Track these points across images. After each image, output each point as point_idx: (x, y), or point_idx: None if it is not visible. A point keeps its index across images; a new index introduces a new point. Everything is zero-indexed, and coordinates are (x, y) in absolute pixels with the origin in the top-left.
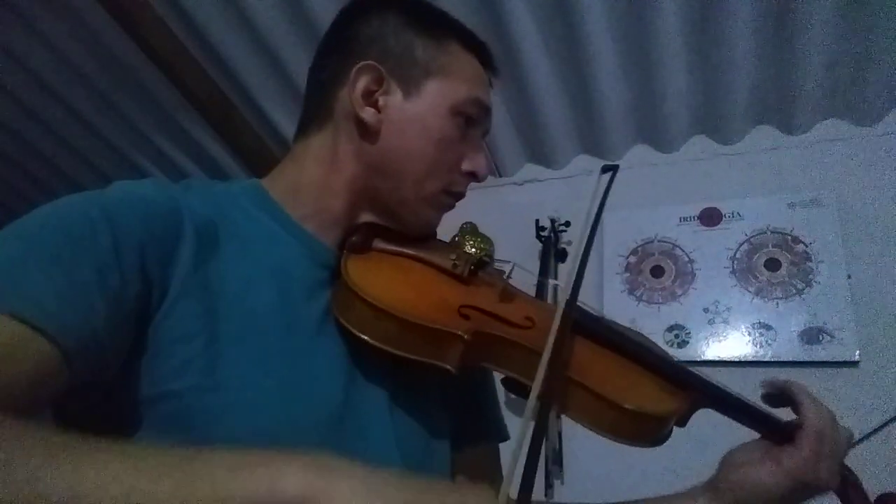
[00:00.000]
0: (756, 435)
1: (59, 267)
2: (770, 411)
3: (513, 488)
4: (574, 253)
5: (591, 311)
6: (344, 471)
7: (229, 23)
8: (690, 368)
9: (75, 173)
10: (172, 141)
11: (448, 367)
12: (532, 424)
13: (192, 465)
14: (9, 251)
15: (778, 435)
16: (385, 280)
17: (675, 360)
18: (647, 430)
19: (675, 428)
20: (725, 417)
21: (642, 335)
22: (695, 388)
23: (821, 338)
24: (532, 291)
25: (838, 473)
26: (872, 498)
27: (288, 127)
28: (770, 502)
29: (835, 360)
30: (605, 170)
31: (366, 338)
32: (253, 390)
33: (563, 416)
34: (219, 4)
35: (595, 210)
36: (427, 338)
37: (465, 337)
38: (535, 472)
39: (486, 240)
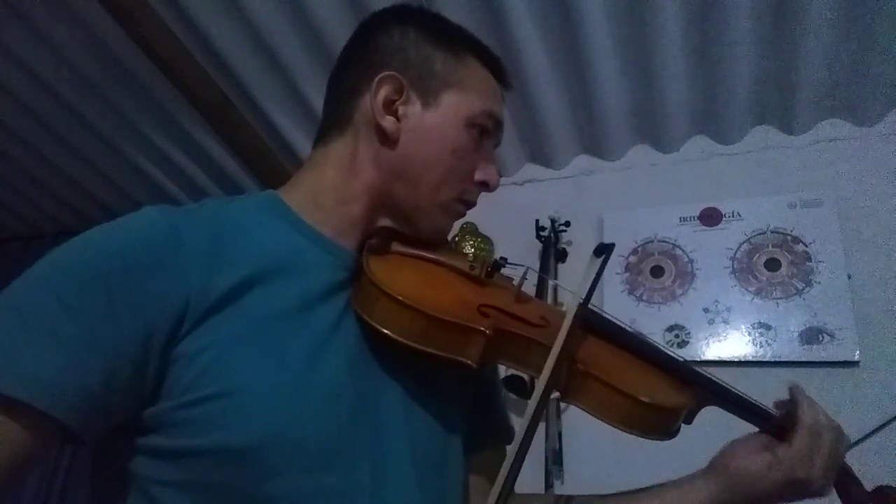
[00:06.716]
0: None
1: (52, 337)
2: (769, 408)
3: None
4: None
5: (602, 313)
6: None
7: (230, 23)
8: (693, 366)
9: (75, 173)
10: (172, 141)
11: (469, 362)
12: (535, 410)
13: None
14: (2, 324)
15: (776, 430)
16: (407, 278)
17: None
18: (659, 423)
19: (679, 430)
20: (728, 422)
21: (644, 336)
22: (700, 385)
23: (821, 338)
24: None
25: (833, 479)
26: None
27: (288, 127)
28: (763, 496)
29: (835, 360)
30: (599, 252)
31: (388, 332)
32: (267, 390)
33: (562, 418)
34: (219, 5)
35: (588, 288)
36: (450, 333)
37: (488, 332)
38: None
39: (486, 240)
